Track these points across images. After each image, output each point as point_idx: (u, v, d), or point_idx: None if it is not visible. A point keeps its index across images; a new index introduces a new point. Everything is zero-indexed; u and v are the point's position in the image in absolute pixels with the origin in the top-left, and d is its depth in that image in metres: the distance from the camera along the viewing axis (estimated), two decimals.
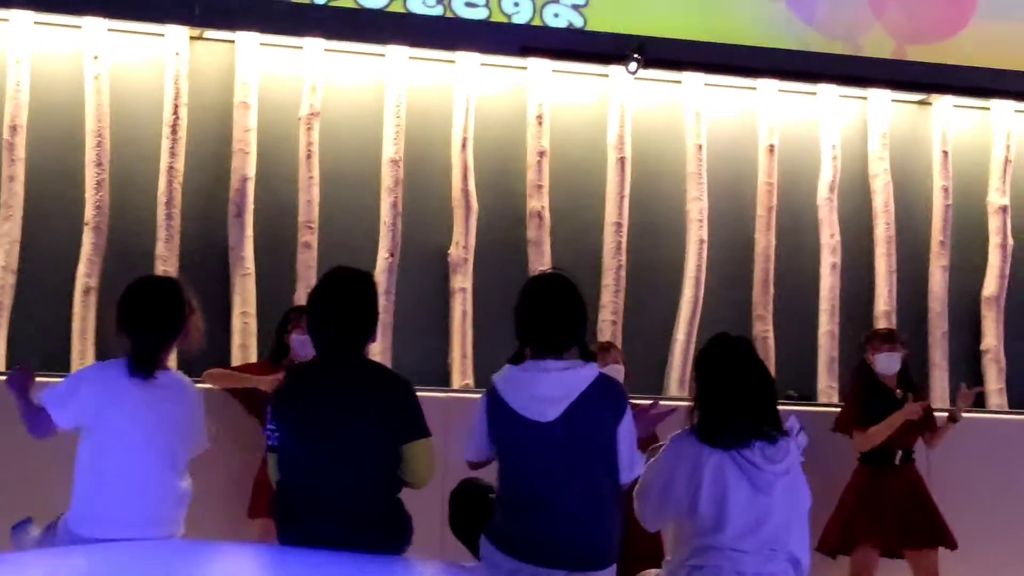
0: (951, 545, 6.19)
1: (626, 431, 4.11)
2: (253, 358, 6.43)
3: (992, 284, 7.70)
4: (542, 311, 4.11)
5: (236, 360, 6.46)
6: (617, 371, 5.94)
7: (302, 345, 5.31)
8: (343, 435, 3.89)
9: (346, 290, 4.04)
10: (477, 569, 4.15)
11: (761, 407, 4.44)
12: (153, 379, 4.20)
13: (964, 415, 6.47)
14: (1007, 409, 7.52)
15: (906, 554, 6.22)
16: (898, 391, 6.31)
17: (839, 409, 6.46)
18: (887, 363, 6.29)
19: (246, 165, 6.65)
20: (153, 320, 4.24)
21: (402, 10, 6.86)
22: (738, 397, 4.39)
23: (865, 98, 7.70)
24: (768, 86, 7.51)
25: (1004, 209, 7.75)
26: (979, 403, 7.51)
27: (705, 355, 4.59)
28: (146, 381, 4.18)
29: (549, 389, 4.03)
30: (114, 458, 4.14)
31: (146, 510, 4.16)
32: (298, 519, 3.90)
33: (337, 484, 3.88)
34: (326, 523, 3.83)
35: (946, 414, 6.49)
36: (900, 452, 6.24)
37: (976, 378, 7.52)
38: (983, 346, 7.66)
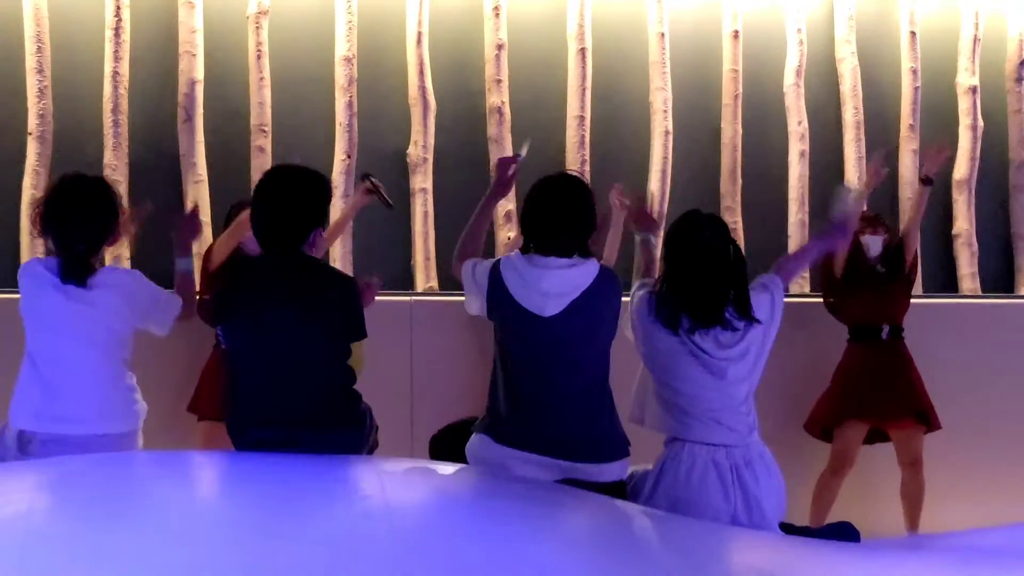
0: (935, 425, 6.17)
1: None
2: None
3: (963, 167, 7.58)
4: (551, 211, 4.09)
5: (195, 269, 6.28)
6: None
7: (251, 240, 5.15)
8: (292, 333, 3.78)
9: (289, 185, 3.95)
10: (449, 465, 4.04)
11: (729, 288, 4.33)
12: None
13: (936, 300, 6.51)
14: (980, 293, 7.46)
15: (892, 435, 6.21)
16: (881, 267, 6.37)
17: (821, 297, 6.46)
18: (869, 246, 6.33)
19: (193, 68, 6.42)
20: (84, 225, 4.06)
21: None
22: (705, 276, 4.28)
23: None
24: None
25: (974, 90, 7.61)
26: (952, 283, 7.48)
27: (673, 232, 4.46)
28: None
29: (552, 285, 4.00)
30: (48, 350, 3.98)
31: (88, 405, 4.00)
32: (252, 423, 3.79)
33: (289, 384, 3.76)
34: (281, 425, 3.72)
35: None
36: (888, 327, 6.20)
37: (949, 262, 7.46)
38: (955, 230, 7.54)
